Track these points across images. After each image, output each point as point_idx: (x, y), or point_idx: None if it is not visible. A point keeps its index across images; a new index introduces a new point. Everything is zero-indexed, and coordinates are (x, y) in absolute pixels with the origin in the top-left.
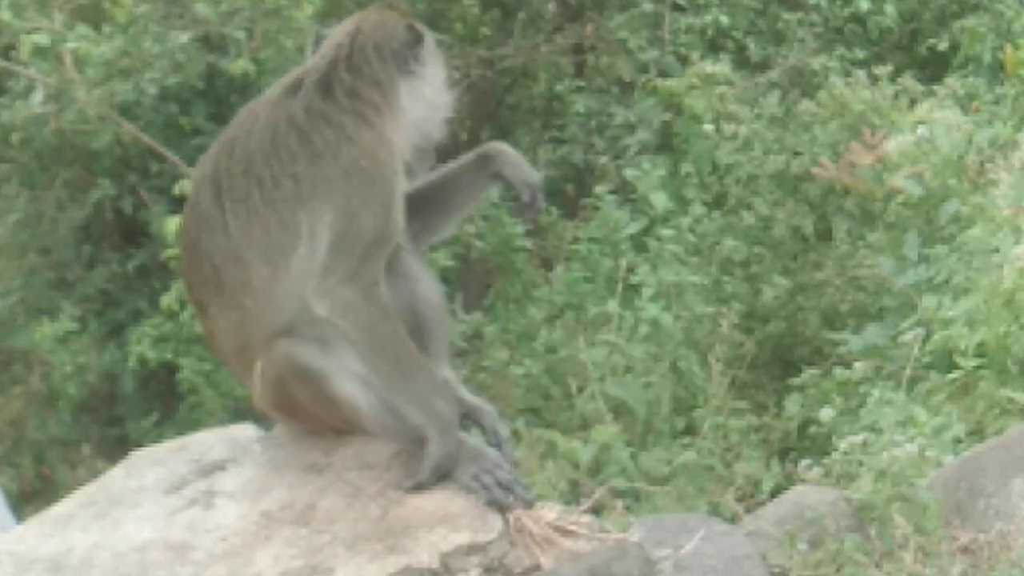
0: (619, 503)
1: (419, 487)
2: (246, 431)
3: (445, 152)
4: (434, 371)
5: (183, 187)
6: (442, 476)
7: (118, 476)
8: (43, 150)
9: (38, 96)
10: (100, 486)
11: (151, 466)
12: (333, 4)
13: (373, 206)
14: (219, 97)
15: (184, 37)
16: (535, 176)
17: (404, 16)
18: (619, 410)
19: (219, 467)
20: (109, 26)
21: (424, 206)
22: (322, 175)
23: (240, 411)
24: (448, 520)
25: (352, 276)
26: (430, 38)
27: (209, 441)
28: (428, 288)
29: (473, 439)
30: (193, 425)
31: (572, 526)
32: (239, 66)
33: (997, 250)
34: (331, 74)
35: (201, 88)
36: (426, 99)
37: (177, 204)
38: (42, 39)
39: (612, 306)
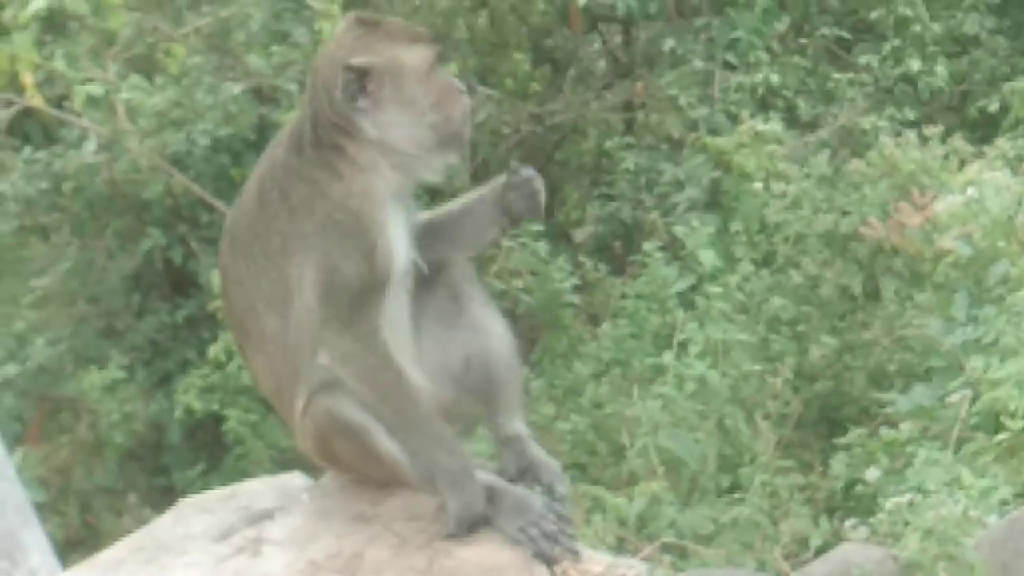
0: (667, 558)
1: (452, 538)
2: (294, 480)
3: None
4: (440, 423)
5: None
6: (477, 526)
7: (166, 523)
8: (94, 199)
9: (90, 146)
10: (148, 532)
11: (199, 513)
12: None
13: (353, 257)
14: None
15: (236, 89)
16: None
17: (354, 47)
18: (667, 466)
19: (267, 515)
20: (162, 77)
21: (442, 232)
22: (300, 231)
23: (286, 461)
24: (495, 571)
25: (347, 325)
26: (384, 60)
27: (258, 489)
28: (498, 340)
29: (522, 490)
30: (239, 475)
31: None
32: (290, 118)
33: None
34: (298, 126)
35: (252, 140)
36: (397, 125)
37: None
38: (95, 89)
39: (667, 358)
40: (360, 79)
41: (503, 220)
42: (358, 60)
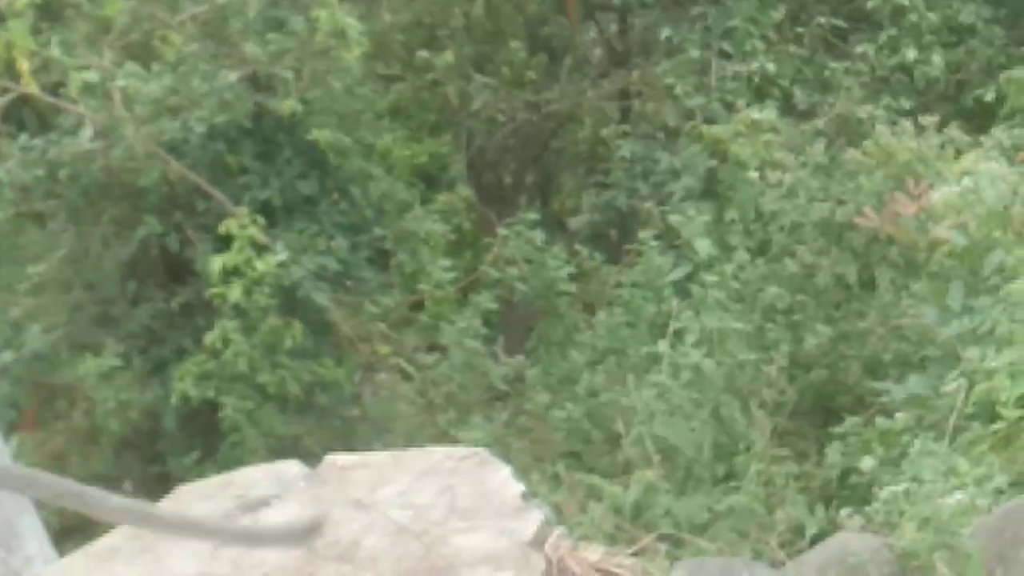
0: (662, 547)
1: None
2: (292, 468)
3: (492, 194)
4: None
5: (228, 226)
6: None
7: (164, 510)
8: (90, 187)
9: (86, 133)
10: None
11: (197, 500)
12: (381, 46)
13: None
14: (266, 136)
15: (232, 76)
16: None
17: None
18: (663, 454)
19: (264, 503)
20: (158, 64)
21: None
22: None
23: (282, 449)
24: (491, 559)
25: None
26: None
27: (255, 477)
28: None
29: None
30: (235, 463)
31: (615, 568)
32: (287, 106)
33: None
34: None
35: (249, 127)
36: None
37: (222, 242)
38: (91, 76)
39: (662, 346)
40: None
41: None
42: None
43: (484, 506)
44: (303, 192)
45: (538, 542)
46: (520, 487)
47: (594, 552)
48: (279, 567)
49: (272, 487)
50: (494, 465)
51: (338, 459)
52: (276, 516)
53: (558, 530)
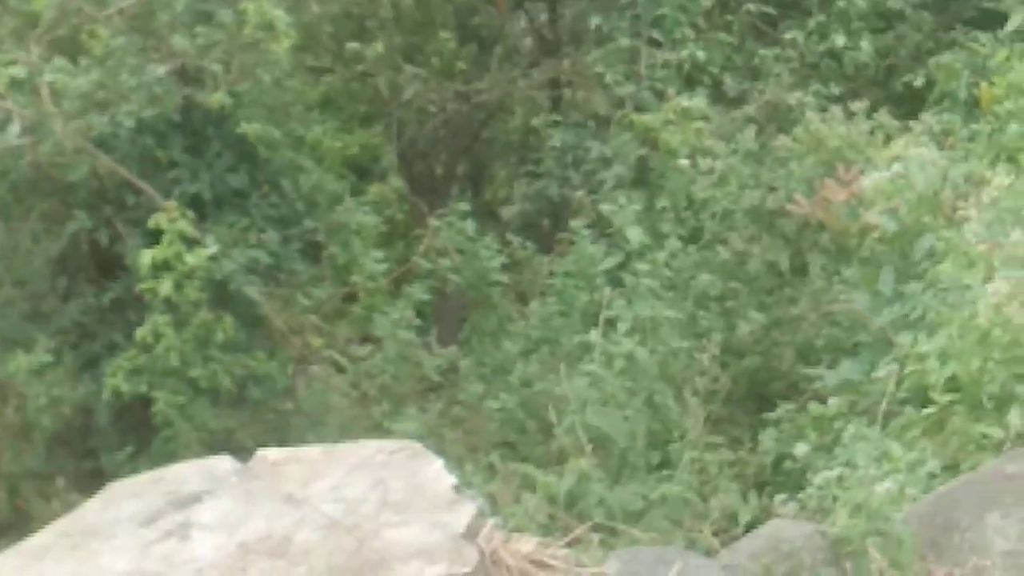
0: (595, 537)
1: None
2: (223, 463)
3: (423, 185)
4: None
5: (158, 220)
6: None
7: (94, 508)
8: (19, 182)
9: (14, 128)
10: (76, 518)
11: (127, 498)
12: (310, 37)
13: None
14: (196, 130)
15: (161, 70)
16: None
17: None
18: (596, 443)
19: (195, 499)
20: (86, 59)
21: None
22: None
23: (215, 443)
24: (424, 553)
25: None
26: None
27: (185, 473)
28: None
29: None
30: (168, 458)
31: (549, 559)
32: (216, 99)
33: (970, 286)
34: None
35: (178, 121)
36: None
37: (152, 237)
38: (19, 71)
39: (594, 336)
40: None
41: None
42: None
43: (416, 499)
44: (233, 185)
45: (471, 534)
46: (452, 479)
47: (527, 543)
48: (212, 563)
49: (203, 483)
50: (426, 458)
51: (269, 454)
52: (208, 512)
53: (491, 522)
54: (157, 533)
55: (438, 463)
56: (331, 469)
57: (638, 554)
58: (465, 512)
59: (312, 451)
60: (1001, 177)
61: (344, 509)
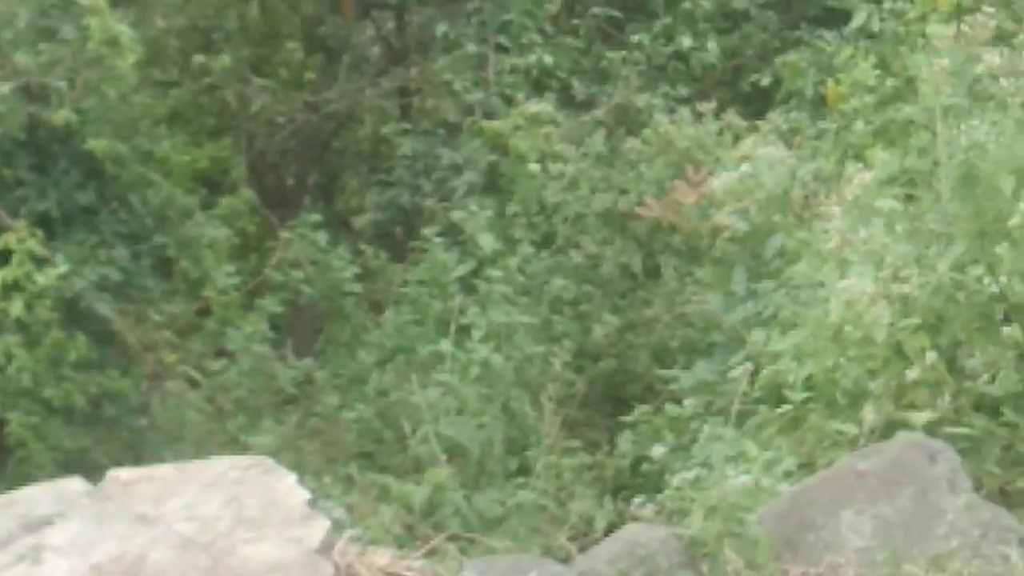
0: (452, 546)
1: None
2: (74, 484)
3: (275, 197)
4: None
5: (6, 240)
6: None
7: None
8: None
9: None
10: None
11: None
12: (156, 51)
13: None
14: (42, 147)
15: (5, 87)
16: None
17: None
18: (453, 451)
19: (47, 521)
20: None
21: None
22: None
23: (69, 463)
24: (279, 568)
25: None
26: None
27: (36, 496)
28: None
29: None
30: (23, 479)
31: (405, 571)
32: (61, 116)
33: (823, 284)
34: None
35: (23, 139)
36: None
37: (1, 257)
38: None
39: (445, 345)
40: None
41: None
42: None
43: (270, 515)
44: (81, 202)
45: (326, 549)
46: (306, 494)
47: (383, 556)
48: None
49: (54, 505)
50: (279, 473)
51: (121, 474)
52: (60, 535)
53: (347, 535)
54: (9, 557)
55: (291, 478)
56: (184, 487)
57: (493, 563)
58: (319, 527)
59: (165, 469)
60: (862, 173)
61: (198, 527)
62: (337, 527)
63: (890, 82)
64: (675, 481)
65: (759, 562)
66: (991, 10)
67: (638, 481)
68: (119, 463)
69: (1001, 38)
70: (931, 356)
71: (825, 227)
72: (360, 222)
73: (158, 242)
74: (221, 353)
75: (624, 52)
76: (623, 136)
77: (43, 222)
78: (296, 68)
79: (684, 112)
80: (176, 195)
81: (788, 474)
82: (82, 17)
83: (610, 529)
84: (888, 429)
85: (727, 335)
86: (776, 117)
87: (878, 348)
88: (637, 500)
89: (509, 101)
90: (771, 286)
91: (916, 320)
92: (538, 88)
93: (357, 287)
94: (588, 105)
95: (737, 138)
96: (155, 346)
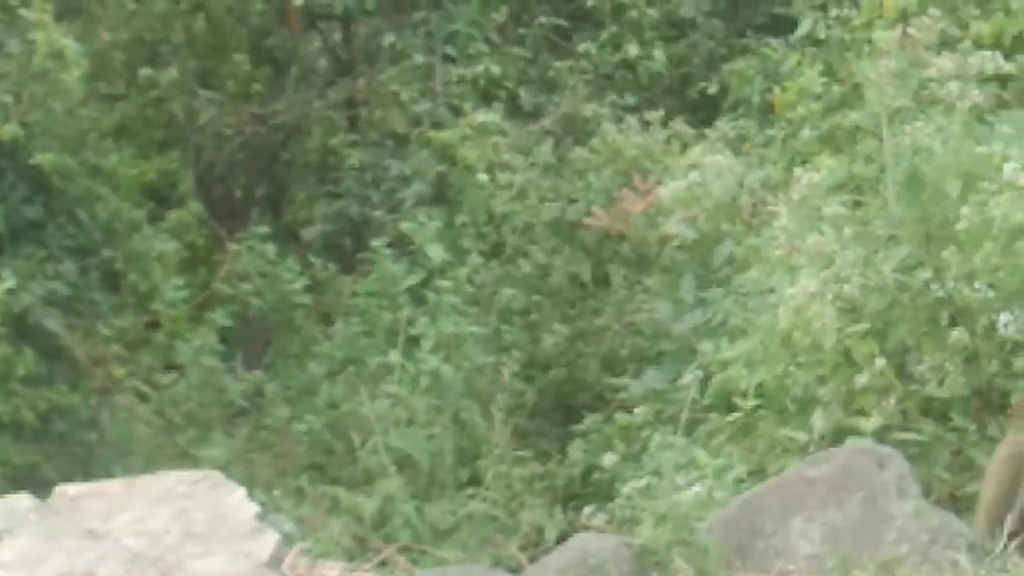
0: (402, 558)
1: None
2: (22, 501)
3: (223, 209)
4: None
5: None
6: None
7: None
8: None
9: None
10: None
11: None
12: (102, 65)
13: None
14: None
15: None
16: None
17: None
18: (403, 463)
19: None
20: None
21: None
22: None
23: (18, 479)
24: None
25: None
26: None
27: None
28: None
29: None
30: None
31: None
32: (7, 130)
33: (772, 290)
34: None
35: None
36: None
37: None
38: None
39: (394, 357)
40: None
41: None
42: None
43: (219, 529)
44: (28, 217)
45: (275, 562)
46: (255, 508)
47: (333, 568)
48: None
49: (2, 521)
50: (228, 487)
51: (69, 489)
52: (8, 551)
53: (297, 547)
54: None
55: (240, 492)
56: (133, 502)
57: (444, 574)
58: (269, 540)
59: (113, 484)
60: (811, 173)
61: (147, 542)
62: (287, 540)
63: (836, 88)
64: (625, 490)
65: (709, 570)
66: (937, 13)
67: (589, 490)
68: (69, 478)
69: (946, 43)
70: (879, 362)
71: (773, 229)
72: (309, 234)
73: (106, 256)
74: (170, 367)
75: (571, 61)
76: (571, 145)
77: None
78: (243, 80)
79: (632, 121)
80: (124, 209)
81: (739, 481)
82: (27, 31)
83: (561, 538)
84: (838, 435)
85: (676, 343)
86: (724, 125)
87: (827, 354)
88: (588, 509)
89: (457, 111)
90: (720, 293)
91: (865, 325)
92: (486, 98)
93: (306, 299)
94: (536, 115)
95: (685, 146)
96: (104, 360)
